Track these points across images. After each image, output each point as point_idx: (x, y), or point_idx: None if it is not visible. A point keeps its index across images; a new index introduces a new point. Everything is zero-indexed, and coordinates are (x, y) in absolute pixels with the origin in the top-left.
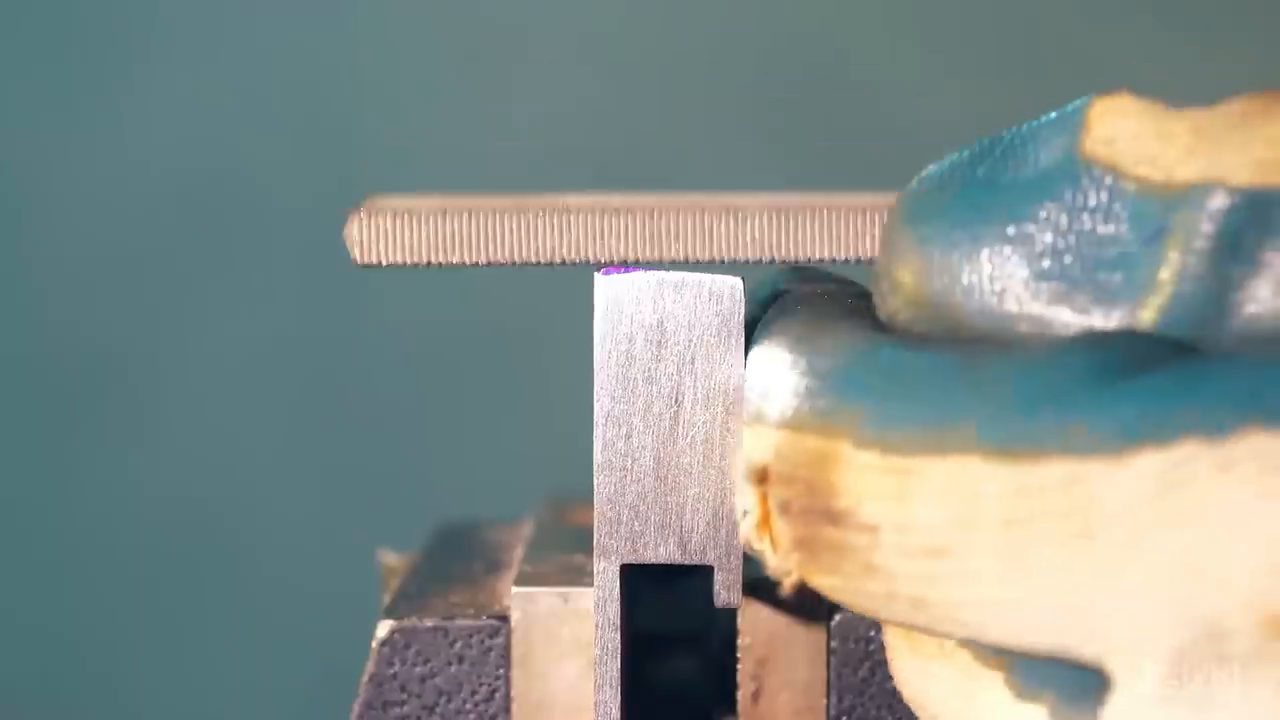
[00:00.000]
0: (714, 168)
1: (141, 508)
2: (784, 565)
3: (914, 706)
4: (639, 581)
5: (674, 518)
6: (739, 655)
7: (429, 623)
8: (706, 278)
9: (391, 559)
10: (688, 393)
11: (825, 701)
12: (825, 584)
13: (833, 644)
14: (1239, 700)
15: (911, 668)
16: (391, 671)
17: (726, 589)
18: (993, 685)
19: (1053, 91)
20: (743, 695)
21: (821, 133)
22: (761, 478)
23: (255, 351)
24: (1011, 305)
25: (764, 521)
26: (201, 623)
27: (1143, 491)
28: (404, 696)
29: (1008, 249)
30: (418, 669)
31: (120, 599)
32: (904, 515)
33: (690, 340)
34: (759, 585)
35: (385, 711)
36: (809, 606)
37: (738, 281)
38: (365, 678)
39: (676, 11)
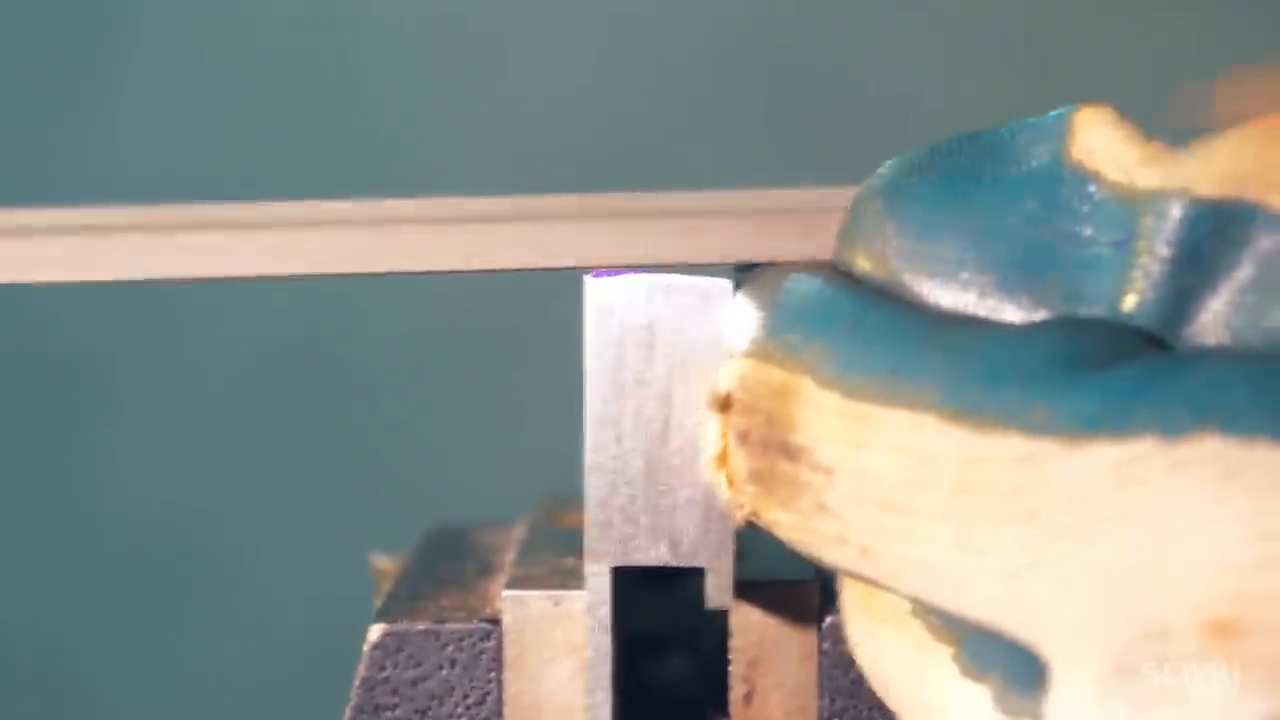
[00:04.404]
0: (712, 163)
1: (133, 510)
2: (738, 499)
3: (865, 673)
4: (630, 584)
5: (665, 520)
6: (731, 657)
7: (420, 626)
8: (697, 280)
9: (383, 562)
10: (678, 395)
11: (817, 703)
12: (777, 520)
13: (824, 645)
14: (1177, 702)
15: (864, 633)
16: (383, 675)
17: (718, 591)
18: (941, 660)
19: (1049, 84)
20: (735, 697)
21: (816, 128)
22: (724, 405)
23: (247, 354)
24: (975, 291)
25: (723, 455)
26: (193, 626)
27: (1094, 482)
28: (395, 700)
29: (982, 237)
30: (409, 672)
31: (112, 601)
32: (858, 462)
33: (680, 343)
34: (750, 587)
35: (377, 715)
36: (801, 608)
37: (727, 284)
38: (357, 681)
39: (673, 7)
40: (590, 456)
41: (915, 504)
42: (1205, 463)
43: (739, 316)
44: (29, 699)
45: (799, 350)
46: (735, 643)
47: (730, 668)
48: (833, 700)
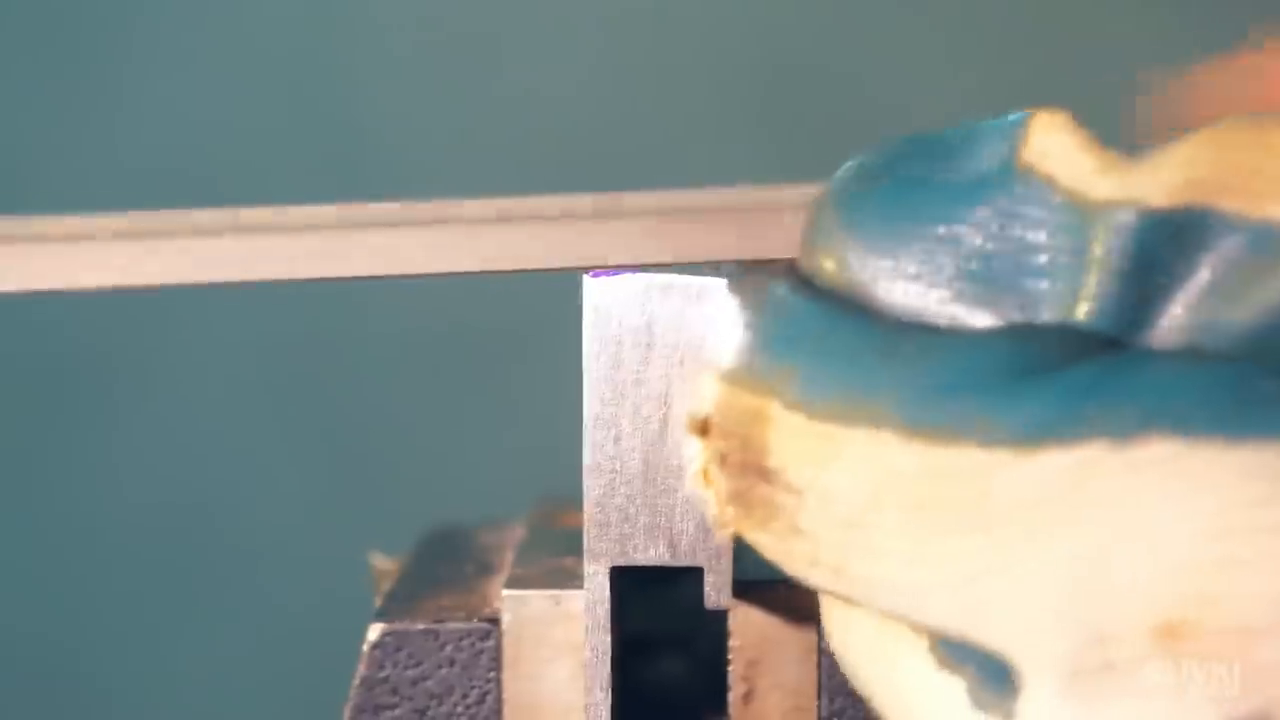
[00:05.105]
0: (710, 164)
1: (132, 510)
2: (723, 517)
3: (839, 660)
4: (629, 583)
5: (664, 520)
6: (730, 657)
7: (420, 626)
8: (695, 280)
9: (383, 562)
10: (676, 394)
11: (816, 703)
12: (758, 540)
13: (823, 645)
14: (1132, 705)
15: (839, 620)
16: (382, 674)
17: (717, 591)
18: (916, 651)
19: (1050, 84)
20: (734, 697)
21: (815, 128)
22: (703, 429)
23: (246, 354)
24: (933, 302)
25: (706, 474)
26: (193, 626)
27: (1045, 488)
28: (395, 699)
29: (935, 247)
30: (409, 672)
31: (111, 602)
32: (825, 482)
33: (678, 342)
34: (749, 587)
35: (376, 715)
36: (799, 608)
37: (725, 283)
38: (356, 681)
39: (672, 7)
40: (588, 456)
41: (878, 521)
42: (1156, 464)
43: (719, 328)
44: (29, 699)
45: (767, 374)
46: (734, 642)
47: (729, 667)
48: (832, 700)
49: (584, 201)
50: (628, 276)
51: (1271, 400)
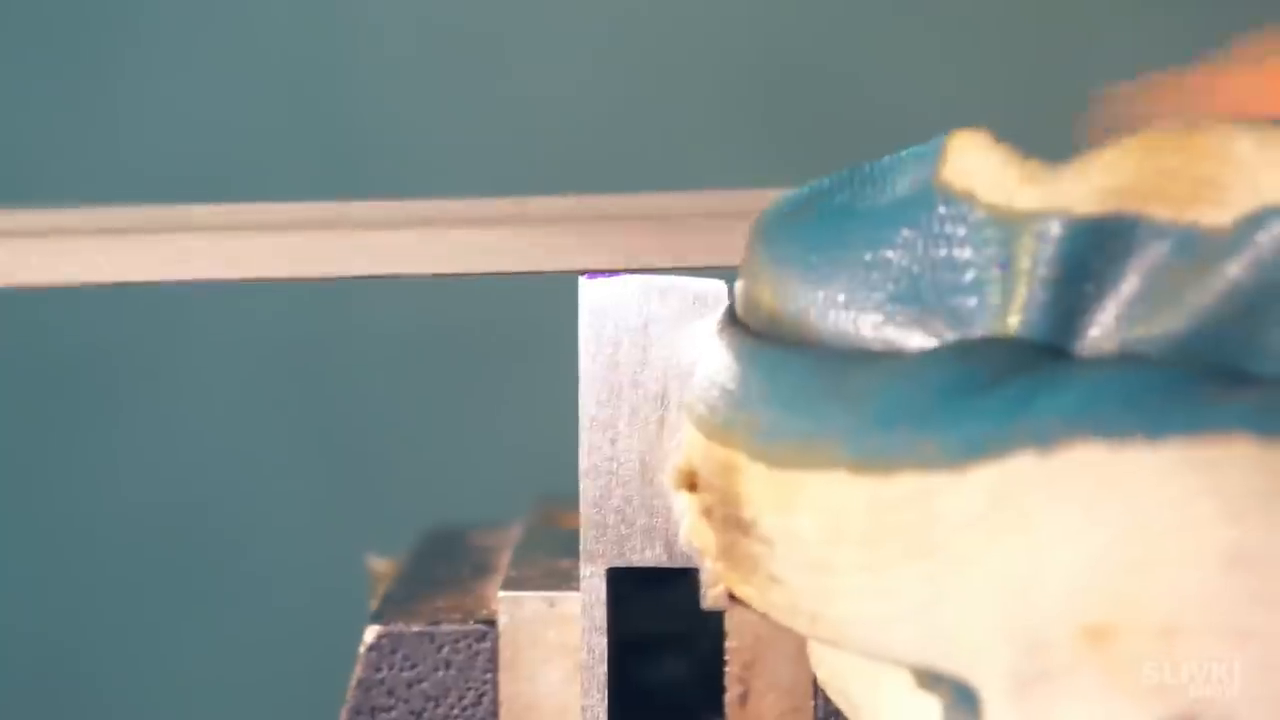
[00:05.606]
0: (712, 165)
1: (131, 511)
2: (714, 573)
3: (826, 686)
4: (626, 585)
5: (660, 521)
6: (726, 658)
7: (416, 628)
8: (692, 282)
9: (380, 564)
10: (673, 396)
11: (812, 703)
12: (744, 594)
13: None
14: (1070, 713)
15: (824, 646)
16: (379, 676)
17: (713, 592)
18: (895, 671)
19: (1051, 87)
20: (730, 698)
21: (817, 130)
22: (690, 483)
23: (245, 355)
24: (866, 330)
25: (696, 528)
26: (190, 627)
27: (977, 505)
28: (391, 701)
29: (863, 274)
30: (405, 674)
31: (110, 602)
32: (791, 528)
33: (675, 344)
34: None
35: (373, 717)
36: None
37: (722, 285)
38: (352, 683)
39: (673, 7)
40: (585, 458)
41: (837, 560)
42: (1077, 469)
43: (691, 380)
44: (29, 699)
45: (731, 425)
46: (730, 644)
47: (725, 669)
48: (828, 700)
49: (581, 203)
50: (624, 278)
51: (1193, 399)
